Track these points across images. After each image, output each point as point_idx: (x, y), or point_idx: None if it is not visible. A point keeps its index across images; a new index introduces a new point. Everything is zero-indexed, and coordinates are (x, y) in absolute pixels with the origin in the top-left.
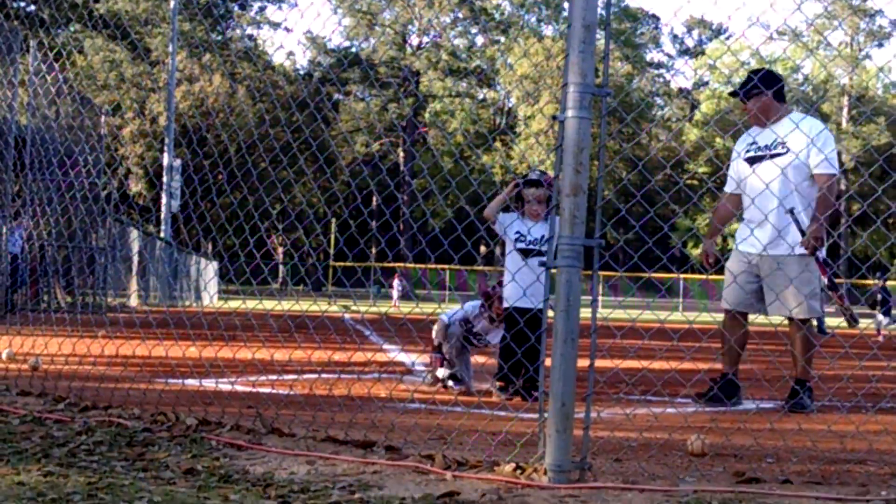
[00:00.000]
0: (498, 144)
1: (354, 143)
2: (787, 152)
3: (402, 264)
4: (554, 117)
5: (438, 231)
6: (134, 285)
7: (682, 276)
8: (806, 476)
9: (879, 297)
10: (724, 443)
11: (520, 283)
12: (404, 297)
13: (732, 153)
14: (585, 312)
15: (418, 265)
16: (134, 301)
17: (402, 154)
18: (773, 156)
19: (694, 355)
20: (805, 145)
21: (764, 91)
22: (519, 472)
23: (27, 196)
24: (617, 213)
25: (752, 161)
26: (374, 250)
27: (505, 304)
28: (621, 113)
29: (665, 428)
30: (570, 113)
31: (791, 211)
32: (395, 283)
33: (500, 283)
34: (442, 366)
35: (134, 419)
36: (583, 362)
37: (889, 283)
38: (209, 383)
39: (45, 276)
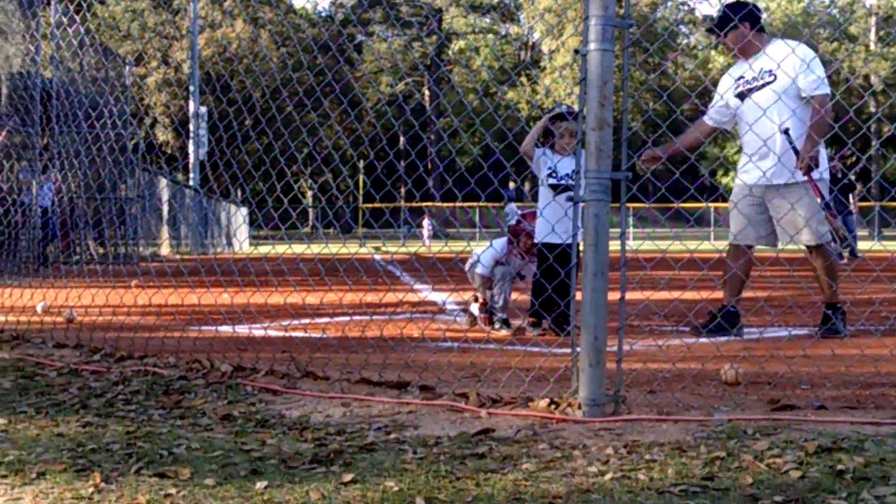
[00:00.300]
0: (523, 80)
1: (378, 84)
2: (774, 80)
3: (431, 203)
4: (576, 51)
5: (465, 169)
6: (165, 234)
7: (711, 205)
8: (841, 401)
9: None
10: (757, 371)
11: (549, 220)
12: (434, 236)
13: (720, 84)
14: (615, 245)
15: (446, 204)
16: (165, 250)
17: (426, 93)
18: (762, 86)
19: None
20: (793, 70)
21: (739, 24)
22: (553, 407)
23: (55, 150)
24: (644, 145)
25: (742, 96)
26: (402, 191)
27: (535, 240)
28: (645, 44)
29: (698, 358)
30: (592, 46)
31: (786, 132)
32: (425, 222)
33: (525, 217)
34: (491, 321)
35: (169, 367)
36: (613, 295)
37: None
38: (242, 329)
39: (77, 228)
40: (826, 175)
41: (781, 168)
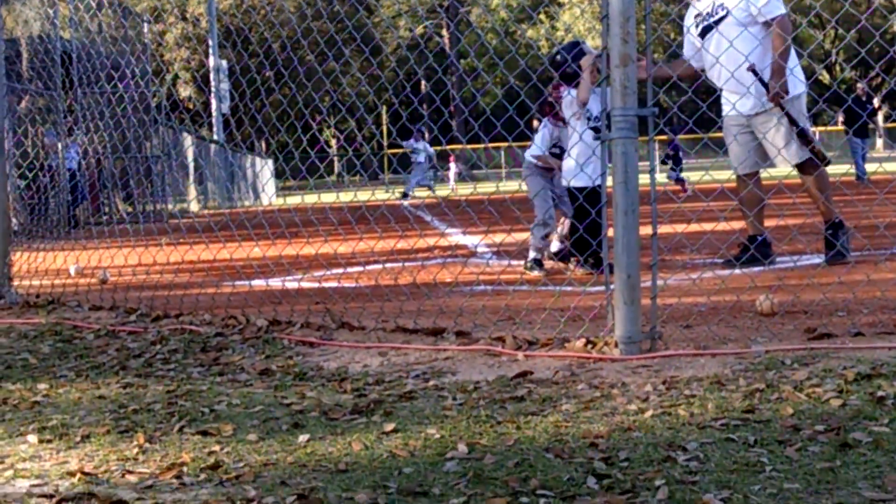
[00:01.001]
0: (542, 17)
1: (398, 28)
2: (727, 13)
3: (457, 146)
4: None
5: (489, 112)
6: (192, 191)
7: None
8: (878, 327)
9: None
10: (793, 300)
11: (577, 160)
12: (461, 179)
13: (685, 30)
14: (644, 179)
15: (472, 146)
16: (194, 206)
17: (446, 36)
18: (719, 20)
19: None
20: None
21: None
22: (590, 346)
23: (78, 111)
24: (669, 79)
25: (703, 34)
26: (427, 136)
27: (564, 182)
28: None
29: (732, 290)
30: None
31: (751, 69)
32: (451, 165)
33: (557, 87)
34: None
35: (205, 325)
36: (645, 230)
37: None
38: (275, 283)
39: (105, 189)
40: (800, 89)
41: (753, 99)
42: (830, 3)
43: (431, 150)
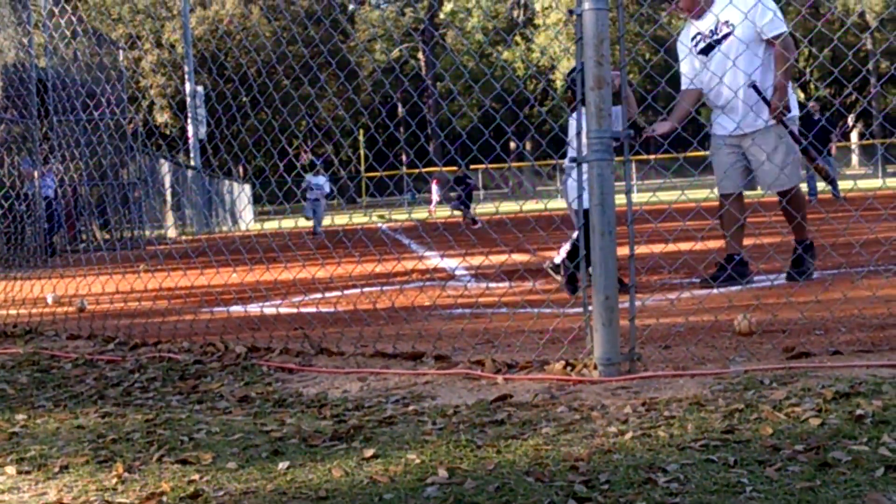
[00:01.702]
0: (518, 39)
1: (373, 52)
2: (732, 30)
3: (436, 168)
4: (571, 11)
5: (466, 135)
6: (170, 217)
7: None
8: (856, 345)
9: None
10: (770, 320)
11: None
12: (442, 202)
13: (679, 52)
14: (620, 200)
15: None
16: (171, 233)
17: (422, 60)
18: (724, 37)
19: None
20: (747, 14)
21: None
22: (569, 368)
23: (54, 139)
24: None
25: (704, 52)
26: (404, 159)
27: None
28: None
29: (710, 310)
30: (586, 5)
31: (753, 85)
32: (434, 188)
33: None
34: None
35: (184, 352)
36: (622, 251)
37: None
38: (254, 309)
39: (81, 216)
40: (794, 112)
41: (752, 116)
42: (804, 22)
43: (328, 187)
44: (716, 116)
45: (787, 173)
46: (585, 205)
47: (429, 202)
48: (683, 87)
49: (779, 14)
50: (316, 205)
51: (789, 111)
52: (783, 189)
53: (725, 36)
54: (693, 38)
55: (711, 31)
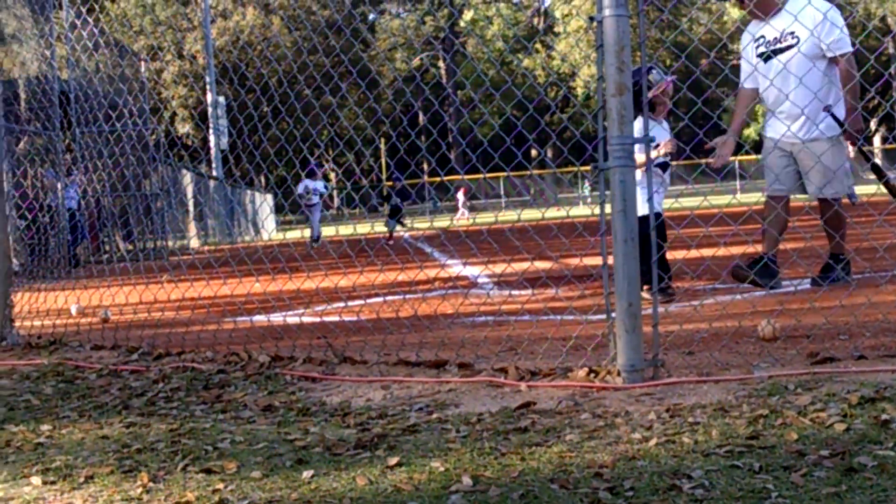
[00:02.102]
0: (538, 47)
1: (394, 61)
2: (797, 42)
3: (457, 176)
4: (591, 18)
5: (487, 143)
6: (192, 227)
7: (735, 158)
8: (880, 350)
9: None
10: (794, 325)
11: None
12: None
13: (742, 54)
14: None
15: (469, 176)
16: (194, 243)
17: (443, 68)
18: (787, 48)
19: (756, 239)
20: (815, 29)
21: None
22: (592, 375)
23: (77, 150)
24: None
25: (764, 56)
26: (426, 167)
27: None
28: (658, 5)
29: (734, 316)
30: (607, 12)
31: (828, 109)
32: (460, 195)
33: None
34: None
35: (208, 362)
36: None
37: None
38: (277, 318)
39: (105, 227)
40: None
41: (810, 126)
42: None
43: (324, 188)
44: (770, 120)
45: (838, 182)
46: (646, 210)
47: (455, 210)
48: (744, 84)
49: (846, 31)
50: (313, 210)
51: (861, 133)
52: (828, 196)
53: (789, 47)
54: (757, 40)
55: (776, 38)
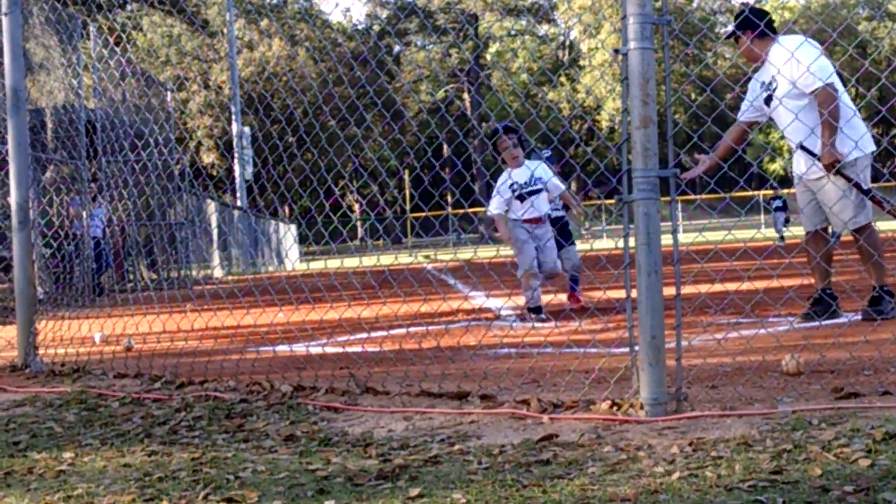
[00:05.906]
0: (563, 80)
1: (419, 93)
2: (777, 86)
3: (481, 209)
4: (616, 51)
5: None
6: (216, 257)
7: (759, 193)
8: None
9: None
10: (819, 359)
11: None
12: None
13: (747, 97)
14: (667, 239)
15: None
16: (218, 272)
17: (467, 100)
18: (773, 91)
19: (781, 273)
20: (786, 72)
21: (739, 34)
22: (615, 408)
23: (103, 179)
24: (688, 140)
25: (766, 101)
26: (449, 199)
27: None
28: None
29: (758, 350)
30: (632, 45)
31: (800, 146)
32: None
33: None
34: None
35: (230, 391)
36: (668, 291)
37: None
38: (300, 348)
39: (129, 256)
40: (867, 149)
41: (809, 164)
42: (851, 62)
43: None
44: (794, 156)
45: (851, 213)
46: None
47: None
48: (739, 118)
49: (821, 63)
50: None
51: (839, 161)
52: (850, 227)
53: (775, 90)
54: (759, 86)
55: (768, 83)
